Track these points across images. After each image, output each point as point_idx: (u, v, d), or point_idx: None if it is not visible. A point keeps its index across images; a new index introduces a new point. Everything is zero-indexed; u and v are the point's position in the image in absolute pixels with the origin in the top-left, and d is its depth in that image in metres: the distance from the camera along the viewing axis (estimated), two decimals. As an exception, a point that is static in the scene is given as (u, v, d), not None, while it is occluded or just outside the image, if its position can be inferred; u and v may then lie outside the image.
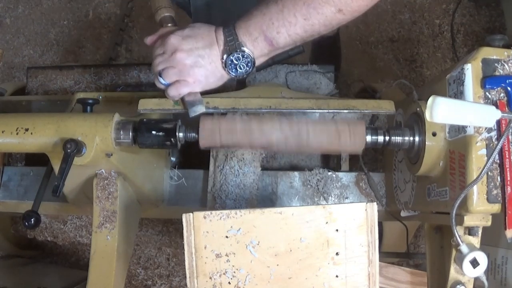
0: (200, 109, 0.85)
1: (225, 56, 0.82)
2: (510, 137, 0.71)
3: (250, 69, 0.83)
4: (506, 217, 0.70)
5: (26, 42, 2.01)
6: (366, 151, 0.86)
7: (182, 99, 0.86)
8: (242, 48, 0.81)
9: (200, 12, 1.13)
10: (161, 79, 0.85)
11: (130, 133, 0.82)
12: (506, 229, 0.70)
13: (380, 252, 0.72)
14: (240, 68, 0.82)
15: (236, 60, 0.81)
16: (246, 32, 0.80)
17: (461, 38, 1.74)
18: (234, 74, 0.83)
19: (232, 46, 0.81)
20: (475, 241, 0.76)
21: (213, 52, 0.82)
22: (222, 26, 0.83)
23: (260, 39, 0.80)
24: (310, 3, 0.76)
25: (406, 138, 0.83)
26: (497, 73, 0.72)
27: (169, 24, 0.91)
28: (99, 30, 1.96)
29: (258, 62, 0.83)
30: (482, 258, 0.73)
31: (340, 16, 0.77)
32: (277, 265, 0.71)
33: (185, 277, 0.72)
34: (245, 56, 0.81)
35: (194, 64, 0.82)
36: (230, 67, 0.82)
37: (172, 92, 0.85)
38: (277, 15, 0.78)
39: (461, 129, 0.73)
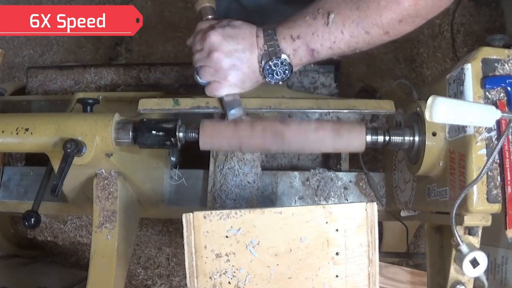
0: (238, 112, 0.83)
1: (263, 61, 0.80)
2: (510, 137, 0.71)
3: (287, 77, 0.81)
4: (506, 217, 0.70)
5: (26, 42, 2.01)
6: (366, 151, 0.86)
7: (220, 99, 0.85)
8: (282, 55, 0.79)
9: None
10: (197, 77, 0.84)
11: (130, 133, 0.82)
12: (506, 229, 0.70)
13: (380, 252, 0.72)
14: (277, 75, 0.80)
15: (275, 66, 0.80)
16: (288, 40, 0.79)
17: (461, 38, 1.74)
18: (271, 80, 0.82)
19: (272, 52, 0.79)
20: (475, 241, 0.76)
21: (252, 56, 0.80)
22: (262, 28, 0.81)
23: (302, 49, 0.79)
24: (360, 22, 0.76)
25: (406, 138, 0.83)
26: (497, 73, 0.72)
27: (209, 16, 0.88)
28: (99, 30, 1.96)
29: (295, 69, 0.82)
30: (482, 258, 0.73)
31: (385, 37, 0.78)
32: (277, 265, 0.71)
33: (185, 277, 0.72)
34: (284, 63, 0.79)
35: (231, 67, 0.81)
36: (267, 72, 0.81)
37: (208, 92, 0.84)
38: (323, 28, 0.77)
39: (461, 129, 0.73)
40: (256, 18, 0.84)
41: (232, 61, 0.80)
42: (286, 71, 0.80)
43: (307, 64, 0.83)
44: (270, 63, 0.80)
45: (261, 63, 0.80)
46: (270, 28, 0.81)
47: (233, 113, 0.83)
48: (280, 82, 0.82)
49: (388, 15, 0.75)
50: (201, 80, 0.84)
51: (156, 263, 1.60)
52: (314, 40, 0.78)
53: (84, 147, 0.79)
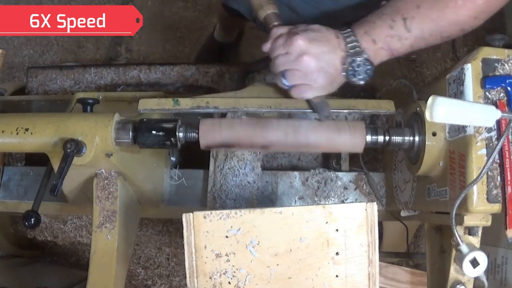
0: (329, 112, 0.84)
1: (347, 62, 0.81)
2: (510, 137, 0.71)
3: (369, 76, 0.82)
4: (506, 217, 0.70)
5: (26, 42, 2.00)
6: (366, 151, 0.86)
7: (309, 100, 0.85)
8: (364, 55, 0.80)
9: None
10: (284, 80, 0.84)
11: (130, 133, 0.82)
12: (506, 229, 0.70)
13: (380, 252, 0.72)
14: (360, 75, 0.81)
15: (358, 67, 0.80)
16: (370, 41, 0.80)
17: (461, 38, 1.74)
18: (354, 80, 0.82)
19: (354, 53, 0.80)
20: (475, 241, 0.76)
21: (336, 57, 0.81)
22: (340, 31, 0.82)
23: (384, 50, 0.81)
24: (439, 21, 0.78)
25: (406, 138, 0.83)
26: (497, 73, 0.72)
27: (275, 22, 0.88)
28: (99, 30, 1.96)
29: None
30: (482, 258, 0.73)
31: (460, 33, 0.81)
32: (277, 265, 0.71)
33: (185, 277, 0.72)
34: (366, 64, 0.80)
35: (320, 69, 0.81)
36: (350, 73, 0.81)
37: (295, 95, 0.84)
38: (404, 29, 0.79)
39: (461, 129, 0.73)
40: (330, 24, 0.85)
41: (320, 64, 0.81)
42: (368, 71, 0.81)
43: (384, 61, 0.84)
44: (353, 64, 0.80)
45: (345, 64, 0.81)
46: (347, 30, 0.82)
47: (325, 113, 0.84)
48: (362, 82, 0.82)
49: (465, 13, 0.78)
50: (287, 83, 0.84)
51: (156, 263, 1.60)
52: (395, 41, 0.80)
53: (84, 147, 0.79)
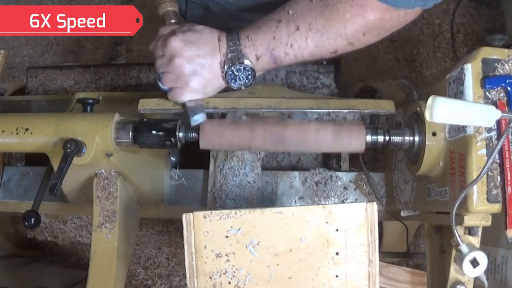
0: (200, 117, 0.83)
1: (226, 66, 0.80)
2: (510, 137, 0.71)
3: (250, 82, 0.81)
4: (507, 217, 0.70)
5: (26, 42, 2.01)
6: (366, 151, 0.86)
7: (183, 104, 0.85)
8: (244, 60, 0.79)
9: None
10: (160, 84, 0.83)
11: (130, 133, 0.82)
12: (506, 229, 0.70)
13: (380, 252, 0.73)
14: (240, 80, 0.80)
15: (237, 72, 0.80)
16: (252, 46, 0.79)
17: (461, 38, 1.74)
18: (233, 85, 0.82)
19: (234, 57, 0.79)
20: (475, 241, 0.76)
21: (214, 61, 0.80)
22: (225, 33, 0.81)
23: (266, 56, 0.79)
24: (324, 32, 0.76)
25: (406, 138, 0.83)
26: (497, 73, 0.72)
27: (172, 20, 0.88)
28: (99, 30, 1.96)
29: (257, 74, 0.82)
30: (482, 258, 0.73)
31: (349, 47, 0.78)
32: (277, 265, 0.71)
33: (185, 277, 0.72)
34: (246, 69, 0.79)
35: (192, 73, 0.80)
36: (229, 77, 0.81)
37: (170, 98, 0.84)
38: (288, 37, 0.77)
39: (461, 129, 0.73)
40: (229, 24, 0.84)
41: (193, 67, 0.80)
42: (249, 77, 0.80)
43: (269, 69, 0.83)
44: (233, 68, 0.79)
45: (224, 68, 0.80)
46: (233, 33, 0.80)
47: (196, 118, 0.83)
48: (243, 87, 0.82)
49: (352, 27, 0.75)
50: (163, 86, 0.83)
51: (156, 263, 1.60)
52: (278, 48, 0.78)
53: (84, 147, 0.79)
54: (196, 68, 0.80)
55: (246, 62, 0.79)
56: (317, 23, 0.76)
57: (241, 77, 0.80)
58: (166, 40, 0.81)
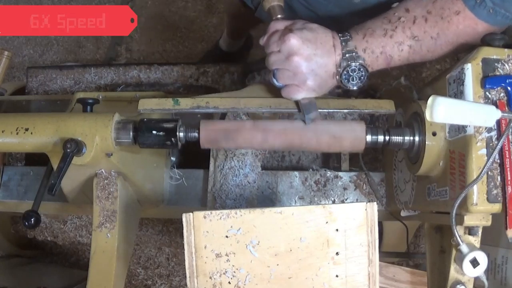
0: (315, 115, 0.83)
1: (341, 67, 0.80)
2: (510, 136, 0.71)
3: (362, 82, 0.81)
4: (507, 217, 0.70)
5: (26, 41, 2.01)
6: (366, 151, 0.86)
7: (297, 101, 0.84)
8: (360, 61, 0.79)
9: None
10: (274, 80, 0.83)
11: (131, 133, 0.82)
12: (506, 229, 0.70)
13: (380, 252, 0.72)
14: (353, 80, 0.80)
15: (352, 72, 0.80)
16: (367, 48, 0.80)
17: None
18: (347, 85, 0.81)
19: (351, 58, 0.79)
20: (475, 241, 0.76)
21: (330, 61, 0.80)
22: (336, 32, 0.81)
23: (381, 58, 0.80)
24: (438, 39, 0.79)
25: (406, 138, 0.83)
26: (497, 73, 0.72)
27: (279, 15, 0.86)
28: (99, 30, 1.96)
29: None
30: (482, 258, 0.73)
31: (452, 53, 0.82)
32: (277, 265, 0.71)
33: (185, 277, 0.72)
34: (361, 70, 0.80)
35: (310, 72, 0.80)
36: (344, 77, 0.80)
37: (284, 95, 0.84)
38: (403, 41, 0.80)
39: (461, 129, 0.73)
40: (330, 27, 0.84)
41: (311, 66, 0.80)
42: (362, 77, 0.81)
43: (381, 70, 0.84)
44: (348, 68, 0.80)
45: (339, 69, 0.80)
46: (345, 34, 0.81)
47: (311, 116, 0.83)
48: (355, 88, 0.81)
49: (464, 38, 0.79)
50: (278, 83, 0.83)
51: (156, 263, 1.60)
52: (393, 51, 0.80)
53: (84, 147, 0.79)
54: (313, 67, 0.80)
55: (362, 62, 0.79)
56: (433, 31, 0.79)
57: (355, 77, 0.80)
58: (284, 37, 0.80)
